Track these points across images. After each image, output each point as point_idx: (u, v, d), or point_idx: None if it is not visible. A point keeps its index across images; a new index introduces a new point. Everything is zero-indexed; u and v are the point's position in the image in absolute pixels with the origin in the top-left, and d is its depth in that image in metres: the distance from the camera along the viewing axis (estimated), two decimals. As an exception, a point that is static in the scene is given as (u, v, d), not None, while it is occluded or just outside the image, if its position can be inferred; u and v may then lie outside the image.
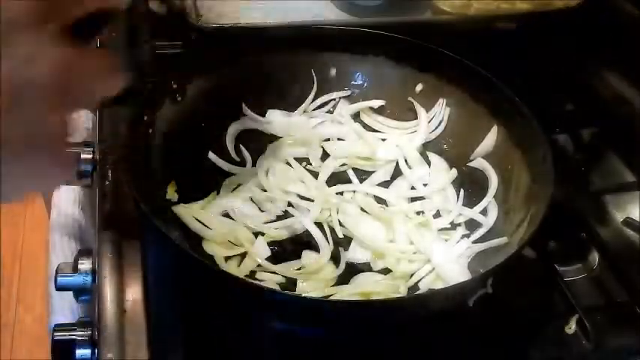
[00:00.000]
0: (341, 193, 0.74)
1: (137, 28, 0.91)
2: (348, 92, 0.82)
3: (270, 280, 0.64)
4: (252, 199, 0.72)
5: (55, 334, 0.58)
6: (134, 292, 0.58)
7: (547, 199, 0.61)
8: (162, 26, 0.91)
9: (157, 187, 0.68)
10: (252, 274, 0.64)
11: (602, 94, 0.91)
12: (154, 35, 0.90)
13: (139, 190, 0.61)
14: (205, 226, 0.67)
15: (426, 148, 0.79)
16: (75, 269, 0.63)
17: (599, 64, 0.93)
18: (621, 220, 0.75)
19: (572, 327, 0.61)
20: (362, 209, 0.72)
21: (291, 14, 0.89)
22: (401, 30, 0.81)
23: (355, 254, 0.67)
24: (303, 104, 0.81)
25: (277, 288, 0.62)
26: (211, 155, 0.75)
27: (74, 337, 0.57)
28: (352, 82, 0.82)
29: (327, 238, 0.67)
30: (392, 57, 0.80)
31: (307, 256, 0.66)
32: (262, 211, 0.71)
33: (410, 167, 0.77)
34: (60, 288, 0.64)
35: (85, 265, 0.63)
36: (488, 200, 0.70)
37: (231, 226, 0.68)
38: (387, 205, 0.72)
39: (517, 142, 0.71)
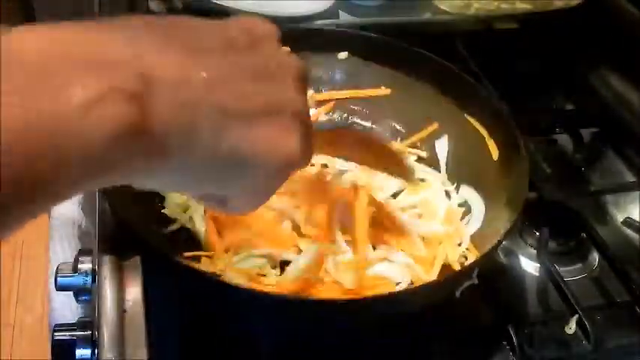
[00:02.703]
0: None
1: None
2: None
3: None
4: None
5: (55, 334, 0.58)
6: (134, 292, 0.58)
7: (523, 195, 0.60)
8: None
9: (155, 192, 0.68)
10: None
11: (602, 94, 0.91)
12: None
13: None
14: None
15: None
16: (75, 269, 0.63)
17: (599, 64, 0.93)
18: (621, 220, 0.75)
19: (572, 327, 0.61)
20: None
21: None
22: (401, 30, 0.80)
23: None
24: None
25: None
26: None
27: (74, 337, 0.57)
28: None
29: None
30: (363, 56, 0.79)
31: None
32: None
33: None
34: (60, 288, 0.64)
35: (85, 265, 0.63)
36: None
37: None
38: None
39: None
